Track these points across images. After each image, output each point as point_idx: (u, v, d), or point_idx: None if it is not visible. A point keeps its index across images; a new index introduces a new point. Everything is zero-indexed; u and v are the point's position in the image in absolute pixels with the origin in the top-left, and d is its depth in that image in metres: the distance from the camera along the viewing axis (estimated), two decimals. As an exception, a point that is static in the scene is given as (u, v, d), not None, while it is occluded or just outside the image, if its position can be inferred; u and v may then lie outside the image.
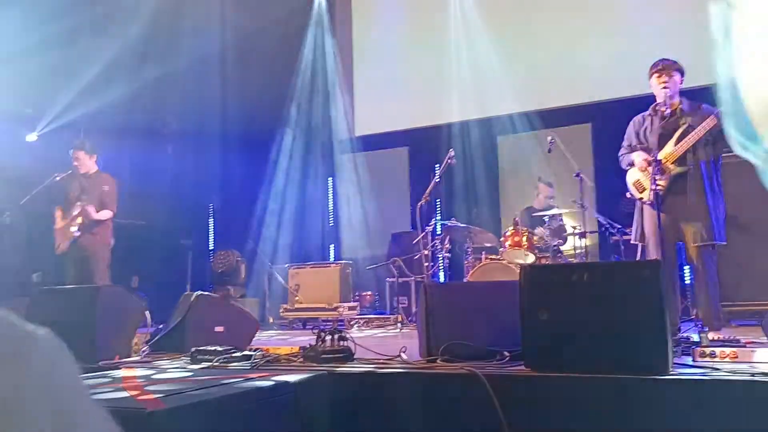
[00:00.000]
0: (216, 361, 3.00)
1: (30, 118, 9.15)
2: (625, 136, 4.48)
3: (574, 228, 6.59)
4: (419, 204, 6.39)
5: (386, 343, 4.46)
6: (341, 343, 3.05)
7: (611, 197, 6.97)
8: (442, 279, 7.10)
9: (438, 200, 8.71)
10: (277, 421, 2.24)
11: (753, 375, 2.23)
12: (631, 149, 4.39)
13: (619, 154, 4.50)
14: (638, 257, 4.46)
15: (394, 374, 2.74)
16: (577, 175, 6.17)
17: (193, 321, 3.75)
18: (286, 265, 7.92)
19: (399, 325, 6.32)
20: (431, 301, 3.08)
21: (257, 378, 2.42)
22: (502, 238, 6.42)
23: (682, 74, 4.24)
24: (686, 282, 6.17)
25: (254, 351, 3.15)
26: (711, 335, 2.98)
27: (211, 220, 10.69)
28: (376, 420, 2.65)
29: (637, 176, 4.29)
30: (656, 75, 4.21)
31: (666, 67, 4.18)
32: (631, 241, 4.48)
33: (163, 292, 8.46)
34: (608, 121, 7.55)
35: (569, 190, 6.46)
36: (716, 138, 4.10)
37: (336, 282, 7.28)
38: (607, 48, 8.13)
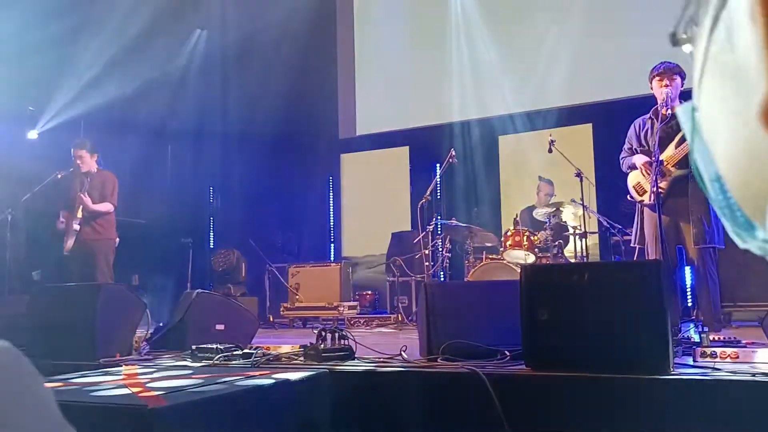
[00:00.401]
0: (216, 359, 3.01)
1: (31, 115, 9.16)
2: (626, 139, 4.48)
3: (575, 228, 6.59)
4: (420, 203, 6.39)
5: (386, 342, 4.46)
6: (342, 341, 3.05)
7: (612, 197, 6.98)
8: (442, 279, 7.10)
9: (438, 200, 8.71)
10: (277, 420, 2.24)
11: (754, 375, 2.23)
12: (632, 152, 4.39)
13: (620, 156, 4.51)
14: (637, 258, 4.46)
15: (394, 373, 2.74)
16: (578, 175, 6.18)
17: (194, 319, 3.75)
18: (287, 264, 7.93)
19: (399, 324, 6.32)
20: (432, 301, 3.08)
21: (258, 376, 2.42)
22: (502, 238, 6.43)
23: (683, 77, 4.24)
24: (686, 283, 6.17)
25: (254, 349, 3.15)
26: (712, 336, 2.98)
27: (211, 219, 10.69)
28: (376, 418, 2.65)
29: (638, 179, 4.30)
30: (657, 78, 4.22)
31: (667, 71, 4.19)
32: (631, 244, 4.49)
33: (163, 290, 8.48)
34: (609, 122, 7.56)
35: (570, 190, 6.46)
36: None
37: (336, 281, 7.29)
38: (608, 48, 8.13)
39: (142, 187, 9.75)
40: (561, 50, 8.34)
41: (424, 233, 6.50)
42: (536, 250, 6.21)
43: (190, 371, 2.69)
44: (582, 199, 6.11)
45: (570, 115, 8.21)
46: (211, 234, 10.58)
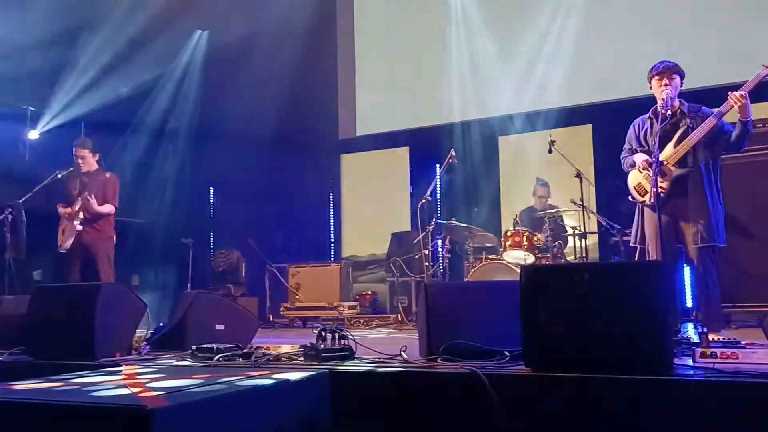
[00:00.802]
0: (216, 360, 3.01)
1: (32, 115, 9.16)
2: (626, 139, 4.48)
3: (575, 229, 6.60)
4: (420, 203, 6.39)
5: (386, 343, 4.46)
6: (342, 342, 3.05)
7: (612, 198, 6.97)
8: (442, 279, 7.10)
9: (438, 200, 8.71)
10: (277, 420, 2.24)
11: (754, 376, 2.23)
12: (632, 152, 4.39)
13: (621, 156, 4.51)
14: (637, 259, 4.46)
15: (394, 373, 2.74)
16: (578, 176, 6.18)
17: (194, 319, 3.75)
18: (287, 264, 7.93)
19: (399, 324, 6.32)
20: (432, 301, 3.08)
21: (258, 376, 2.42)
22: (502, 238, 6.43)
23: (682, 77, 4.24)
24: (686, 283, 6.17)
25: (254, 349, 3.16)
26: (711, 336, 2.98)
27: (211, 219, 10.70)
28: (376, 419, 2.65)
29: (638, 179, 4.30)
30: (656, 78, 4.22)
31: (666, 70, 4.19)
32: (631, 244, 4.48)
33: (163, 290, 8.48)
34: (609, 122, 7.56)
35: (570, 190, 6.46)
36: (714, 139, 4.11)
37: (336, 281, 7.29)
38: (608, 49, 8.13)
39: (143, 186, 9.77)
40: (561, 51, 8.34)
41: (424, 233, 6.50)
42: (536, 250, 6.22)
43: (190, 371, 2.69)
44: (581, 200, 6.11)
45: (570, 116, 8.22)
46: (212, 234, 10.58)
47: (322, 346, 2.99)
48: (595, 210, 6.87)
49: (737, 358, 2.56)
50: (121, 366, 2.98)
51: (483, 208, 8.27)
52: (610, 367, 2.37)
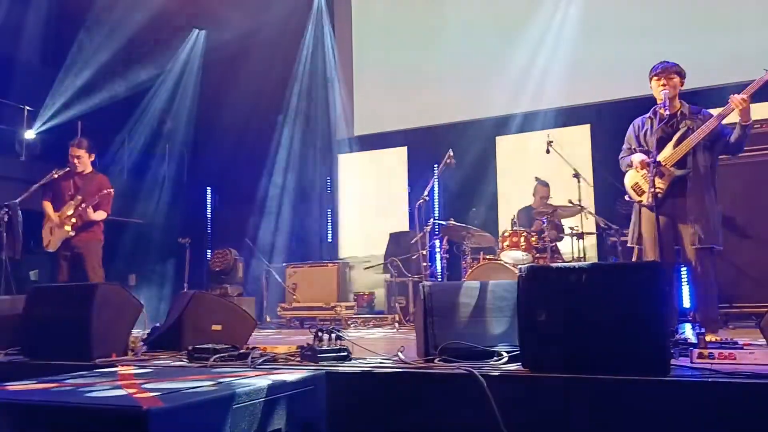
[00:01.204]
0: (213, 360, 3.00)
1: (28, 115, 9.14)
2: (626, 139, 4.48)
3: (572, 229, 6.60)
4: (417, 203, 6.39)
5: (384, 343, 4.46)
6: (339, 342, 3.04)
7: (609, 198, 6.98)
8: (439, 279, 7.10)
9: (436, 200, 8.71)
10: (274, 421, 2.24)
11: (751, 377, 2.23)
12: (631, 152, 4.39)
13: (620, 156, 4.51)
14: (635, 259, 4.46)
15: (391, 374, 2.73)
16: (576, 176, 6.18)
17: (190, 319, 3.74)
18: (284, 264, 7.92)
19: (396, 324, 6.32)
20: (429, 301, 3.07)
21: (254, 377, 2.41)
22: (499, 239, 6.42)
23: (683, 77, 4.24)
24: (683, 284, 6.18)
25: (251, 350, 3.14)
26: (709, 337, 2.98)
27: (208, 219, 10.69)
28: (373, 420, 2.65)
29: (635, 179, 4.29)
30: (656, 78, 4.22)
31: (666, 70, 4.19)
32: (628, 244, 4.48)
33: (160, 290, 8.47)
34: (607, 123, 7.58)
35: (568, 190, 6.47)
36: (714, 142, 4.11)
37: (333, 281, 7.29)
38: (606, 49, 8.14)
39: (140, 186, 9.76)
40: (559, 51, 8.35)
41: (421, 234, 6.50)
42: (534, 250, 6.22)
43: (187, 372, 2.68)
44: (579, 200, 6.11)
45: (568, 116, 8.23)
46: (209, 234, 10.57)
47: (319, 346, 2.98)
48: (593, 210, 6.87)
49: (735, 359, 2.55)
50: (117, 366, 2.97)
51: (481, 208, 8.28)
52: (608, 367, 2.36)
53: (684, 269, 5.17)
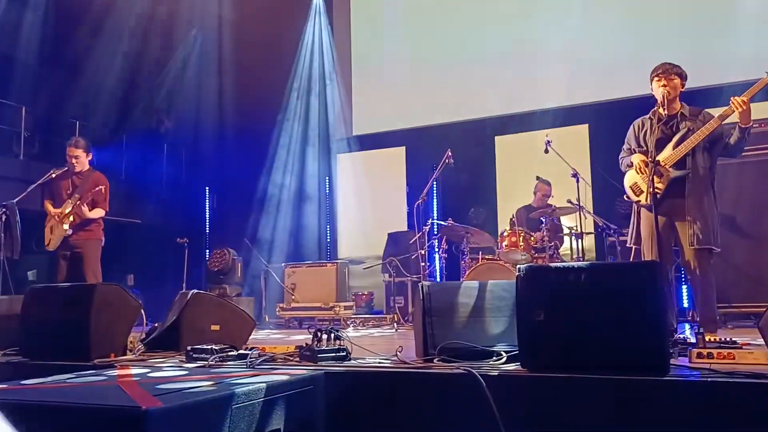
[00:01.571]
0: (211, 360, 2.99)
1: (26, 115, 9.12)
2: (626, 139, 4.48)
3: (571, 229, 6.59)
4: (416, 204, 6.39)
5: (382, 343, 4.46)
6: (338, 342, 3.04)
7: (608, 198, 6.99)
8: (438, 279, 7.10)
9: (435, 200, 8.71)
10: (272, 421, 2.23)
11: (749, 376, 2.23)
12: (631, 152, 4.39)
13: (619, 156, 4.51)
14: (633, 260, 4.46)
15: (390, 374, 2.74)
16: (574, 176, 6.18)
17: (189, 320, 3.73)
18: (283, 264, 7.92)
19: (395, 324, 6.32)
20: (428, 301, 3.07)
21: (253, 377, 2.41)
22: (498, 239, 6.42)
23: (683, 78, 4.24)
24: (682, 284, 6.18)
25: (250, 350, 3.14)
26: (707, 337, 2.98)
27: (207, 219, 10.68)
28: (372, 420, 2.64)
29: (634, 179, 4.29)
30: (657, 79, 4.22)
31: (667, 71, 4.19)
32: (628, 245, 4.48)
33: (158, 290, 8.46)
34: (605, 122, 7.58)
35: (566, 190, 6.47)
36: (713, 143, 4.12)
37: (332, 281, 7.28)
38: (605, 49, 8.14)
39: (138, 187, 9.75)
40: (558, 51, 8.35)
41: (420, 233, 6.50)
42: (532, 250, 6.22)
43: (185, 372, 2.68)
44: (578, 200, 6.12)
45: (566, 116, 8.23)
46: (207, 234, 10.57)
47: (318, 346, 2.98)
48: (591, 210, 6.87)
49: (733, 358, 2.56)
50: (115, 367, 2.97)
51: (479, 208, 8.27)
52: (607, 367, 2.36)
53: (683, 269, 5.17)
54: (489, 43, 8.83)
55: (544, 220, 6.48)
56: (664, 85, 4.15)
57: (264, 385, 2.23)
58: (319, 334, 3.04)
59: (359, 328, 6.64)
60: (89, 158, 6.04)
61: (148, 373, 2.66)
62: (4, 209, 5.87)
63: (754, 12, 7.43)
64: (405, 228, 8.39)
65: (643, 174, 4.17)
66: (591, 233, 6.99)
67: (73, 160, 5.90)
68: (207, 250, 9.93)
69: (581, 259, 6.38)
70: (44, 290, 3.79)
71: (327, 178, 10.07)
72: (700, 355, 2.59)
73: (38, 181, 6.01)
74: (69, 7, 9.23)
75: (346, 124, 9.97)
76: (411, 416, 2.60)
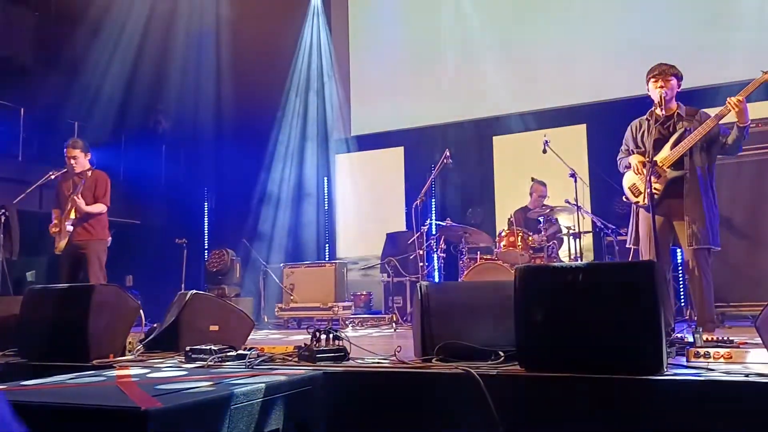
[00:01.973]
0: (210, 361, 3.00)
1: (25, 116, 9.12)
2: (624, 140, 4.49)
3: (569, 229, 6.61)
4: (414, 204, 6.40)
5: (381, 343, 4.46)
6: (336, 342, 3.04)
7: (606, 198, 7.00)
8: (436, 279, 7.11)
9: (433, 200, 8.72)
10: (271, 421, 2.24)
11: (747, 375, 2.24)
12: (629, 153, 4.40)
13: (618, 157, 4.52)
14: (631, 259, 4.47)
15: (389, 374, 2.74)
16: (572, 176, 6.19)
17: (188, 320, 3.73)
18: (281, 264, 7.92)
19: (393, 324, 6.32)
20: (426, 301, 3.07)
21: (252, 377, 2.41)
22: (496, 239, 6.43)
23: (680, 79, 4.25)
24: (680, 283, 6.19)
25: (249, 350, 3.15)
26: (705, 336, 2.99)
27: (205, 220, 10.68)
28: (371, 420, 2.65)
29: (633, 180, 4.31)
30: (653, 79, 4.23)
31: (663, 72, 4.20)
32: (627, 245, 4.49)
33: (157, 291, 8.46)
34: (603, 122, 7.59)
35: (564, 190, 6.48)
36: (711, 143, 4.13)
37: (331, 281, 7.28)
38: (603, 49, 8.15)
39: (137, 187, 9.74)
40: (555, 51, 8.36)
41: (418, 234, 6.50)
42: (530, 250, 6.23)
43: (184, 372, 2.69)
44: (576, 200, 6.13)
45: (564, 116, 8.24)
46: (206, 234, 10.56)
47: (317, 346, 2.99)
48: (589, 210, 6.88)
49: (731, 358, 2.56)
50: (114, 367, 2.97)
51: (477, 208, 8.28)
52: (604, 367, 2.37)
53: (680, 268, 5.18)
54: (487, 43, 8.83)
55: (541, 221, 6.49)
56: (661, 86, 4.16)
57: (263, 385, 2.24)
58: (317, 334, 3.05)
59: (358, 328, 6.65)
60: (88, 158, 6.04)
61: (147, 373, 2.67)
62: (2, 211, 5.87)
63: (750, 12, 7.45)
64: (403, 228, 8.40)
65: (641, 175, 4.18)
66: (589, 233, 7.00)
67: (72, 161, 5.89)
68: (206, 251, 9.92)
69: (579, 259, 6.39)
70: (43, 291, 3.79)
71: (326, 178, 10.07)
72: (697, 355, 2.60)
73: (37, 182, 6.01)
74: (68, 8, 9.23)
75: (344, 124, 9.97)
76: (410, 416, 2.60)
